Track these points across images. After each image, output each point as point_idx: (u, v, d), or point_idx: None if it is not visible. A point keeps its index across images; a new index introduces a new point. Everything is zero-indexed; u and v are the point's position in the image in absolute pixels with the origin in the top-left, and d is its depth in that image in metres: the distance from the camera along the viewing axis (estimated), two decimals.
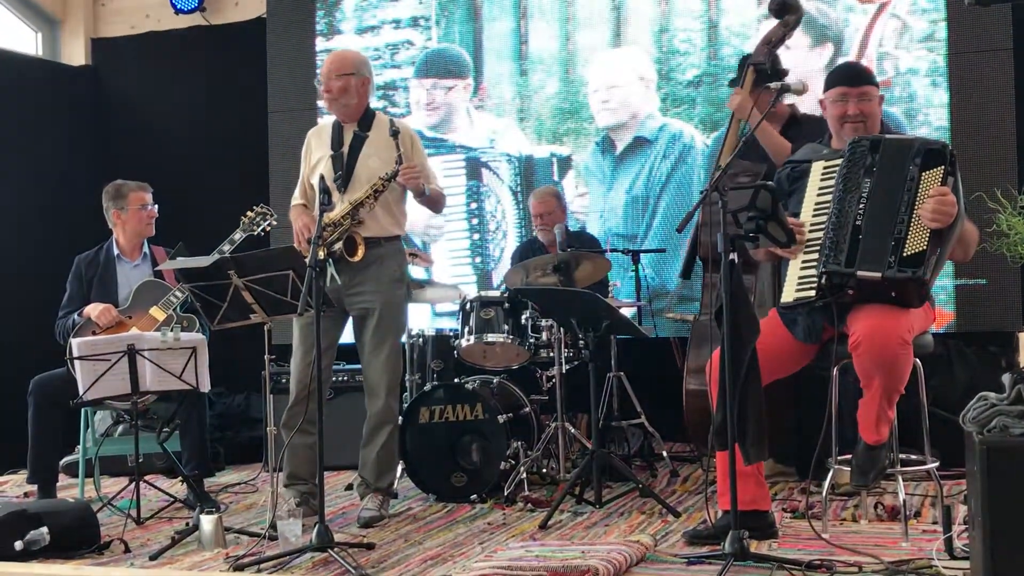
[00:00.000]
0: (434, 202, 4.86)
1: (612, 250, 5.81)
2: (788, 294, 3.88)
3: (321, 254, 4.28)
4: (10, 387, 5.57)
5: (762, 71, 4.75)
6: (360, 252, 4.58)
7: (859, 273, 3.73)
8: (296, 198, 4.89)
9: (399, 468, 5.01)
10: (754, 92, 4.80)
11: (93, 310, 5.11)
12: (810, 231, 3.87)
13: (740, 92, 4.81)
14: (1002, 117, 5.63)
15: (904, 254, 3.69)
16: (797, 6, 4.82)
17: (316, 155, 4.79)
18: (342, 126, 4.76)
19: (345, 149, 4.70)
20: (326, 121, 4.85)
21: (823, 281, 3.78)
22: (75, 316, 5.16)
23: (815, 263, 3.81)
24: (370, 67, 4.85)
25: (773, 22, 4.95)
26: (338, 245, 4.55)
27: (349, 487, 5.28)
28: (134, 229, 5.31)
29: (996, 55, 5.65)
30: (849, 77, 4.06)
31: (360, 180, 4.65)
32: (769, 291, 4.72)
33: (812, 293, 3.81)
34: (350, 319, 4.80)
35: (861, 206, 3.79)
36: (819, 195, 3.93)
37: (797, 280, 3.86)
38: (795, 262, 3.88)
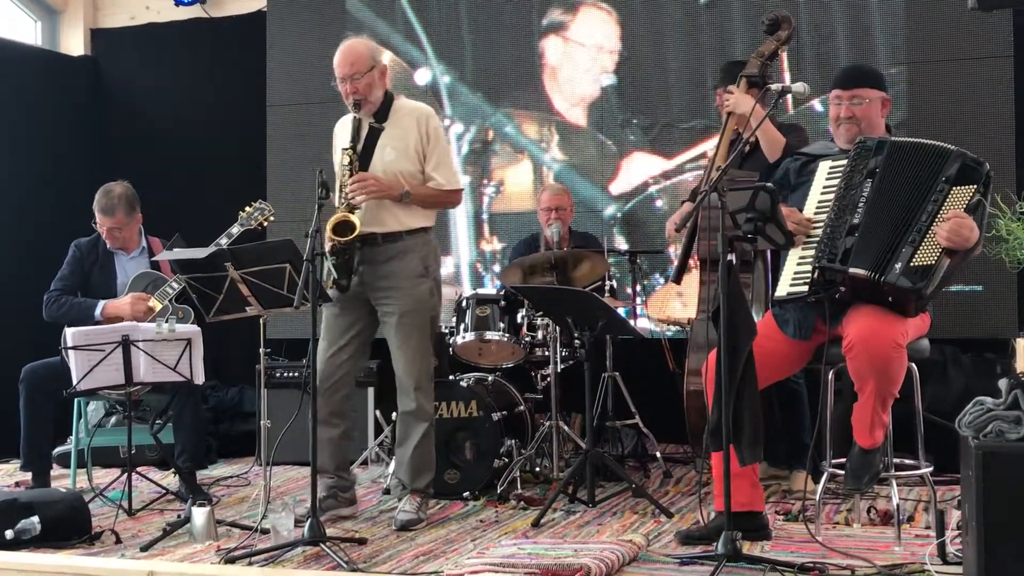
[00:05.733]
0: (430, 203, 4.57)
1: (610, 250, 5.79)
2: (782, 288, 3.88)
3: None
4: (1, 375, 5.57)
5: (755, 83, 4.82)
6: (357, 229, 4.34)
7: (851, 270, 3.73)
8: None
9: (434, 467, 4.73)
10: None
11: (124, 309, 5.02)
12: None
13: (737, 92, 4.82)
14: (1002, 123, 5.63)
15: (912, 264, 3.68)
16: (789, 22, 4.91)
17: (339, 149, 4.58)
18: (360, 119, 4.49)
19: (360, 144, 4.47)
20: (349, 114, 4.59)
21: (816, 276, 3.78)
22: (81, 301, 5.11)
23: (811, 259, 3.81)
24: (380, 51, 4.62)
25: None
26: (333, 240, 4.33)
27: (387, 491, 5.03)
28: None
29: (996, 61, 5.65)
30: (843, 79, 4.09)
31: (376, 174, 4.45)
32: (763, 289, 4.72)
33: (804, 288, 3.81)
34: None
35: (861, 205, 3.79)
36: (823, 193, 3.93)
37: (792, 275, 3.86)
38: (792, 257, 3.88)
